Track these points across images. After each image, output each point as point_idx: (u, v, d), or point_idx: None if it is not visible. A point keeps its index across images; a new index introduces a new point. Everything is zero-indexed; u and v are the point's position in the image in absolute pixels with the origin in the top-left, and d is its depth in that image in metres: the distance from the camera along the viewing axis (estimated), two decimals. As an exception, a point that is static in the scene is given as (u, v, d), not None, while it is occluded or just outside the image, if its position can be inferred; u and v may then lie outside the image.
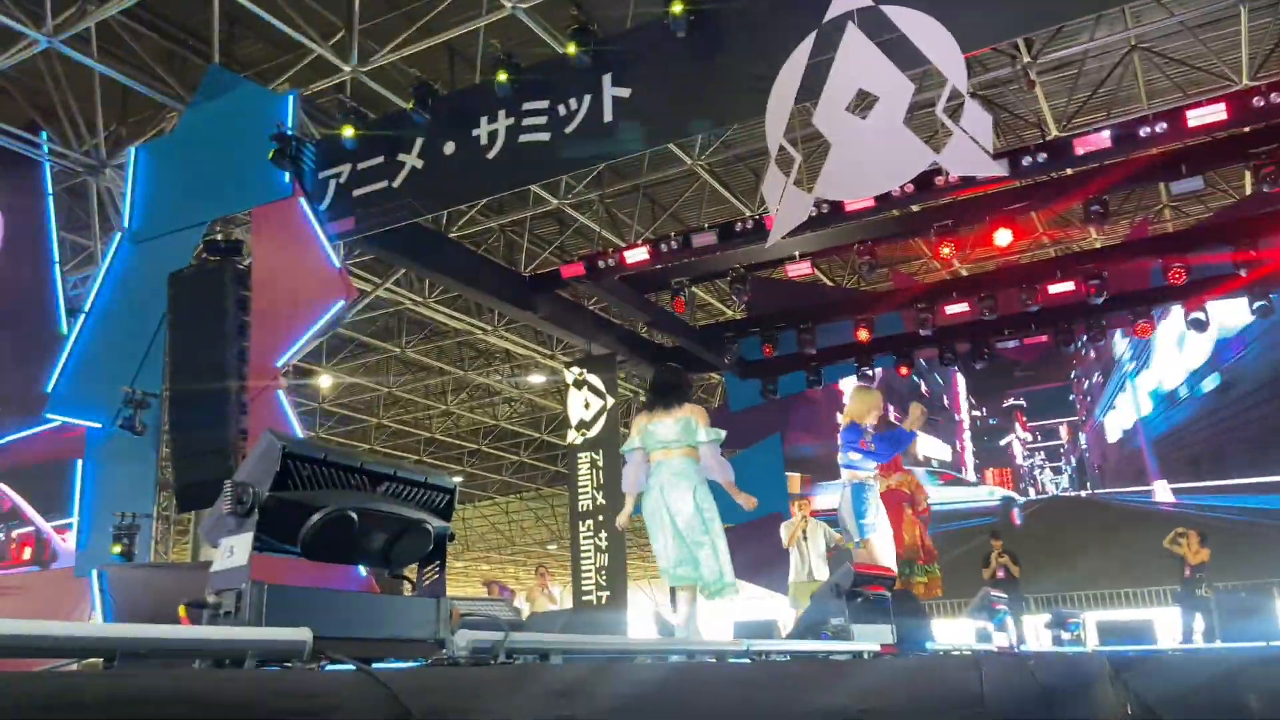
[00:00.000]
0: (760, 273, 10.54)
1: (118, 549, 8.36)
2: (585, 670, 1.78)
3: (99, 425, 8.88)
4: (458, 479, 20.51)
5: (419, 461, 20.32)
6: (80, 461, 9.18)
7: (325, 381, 16.64)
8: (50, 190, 10.21)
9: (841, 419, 6.68)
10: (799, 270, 9.66)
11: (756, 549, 9.80)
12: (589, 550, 10.24)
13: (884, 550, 6.05)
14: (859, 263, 9.43)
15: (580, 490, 10.43)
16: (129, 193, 9.37)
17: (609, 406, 10.57)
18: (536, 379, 17.68)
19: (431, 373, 17.34)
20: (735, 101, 6.96)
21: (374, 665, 1.50)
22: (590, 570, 10.14)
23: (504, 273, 11.66)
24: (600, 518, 10.21)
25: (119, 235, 9.27)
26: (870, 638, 3.45)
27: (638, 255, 9.46)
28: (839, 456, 6.49)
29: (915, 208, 9.27)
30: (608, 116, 7.37)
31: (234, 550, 1.66)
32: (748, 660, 2.78)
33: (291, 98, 8.84)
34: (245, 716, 1.12)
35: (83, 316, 9.32)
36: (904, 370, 11.05)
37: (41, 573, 9.36)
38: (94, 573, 8.50)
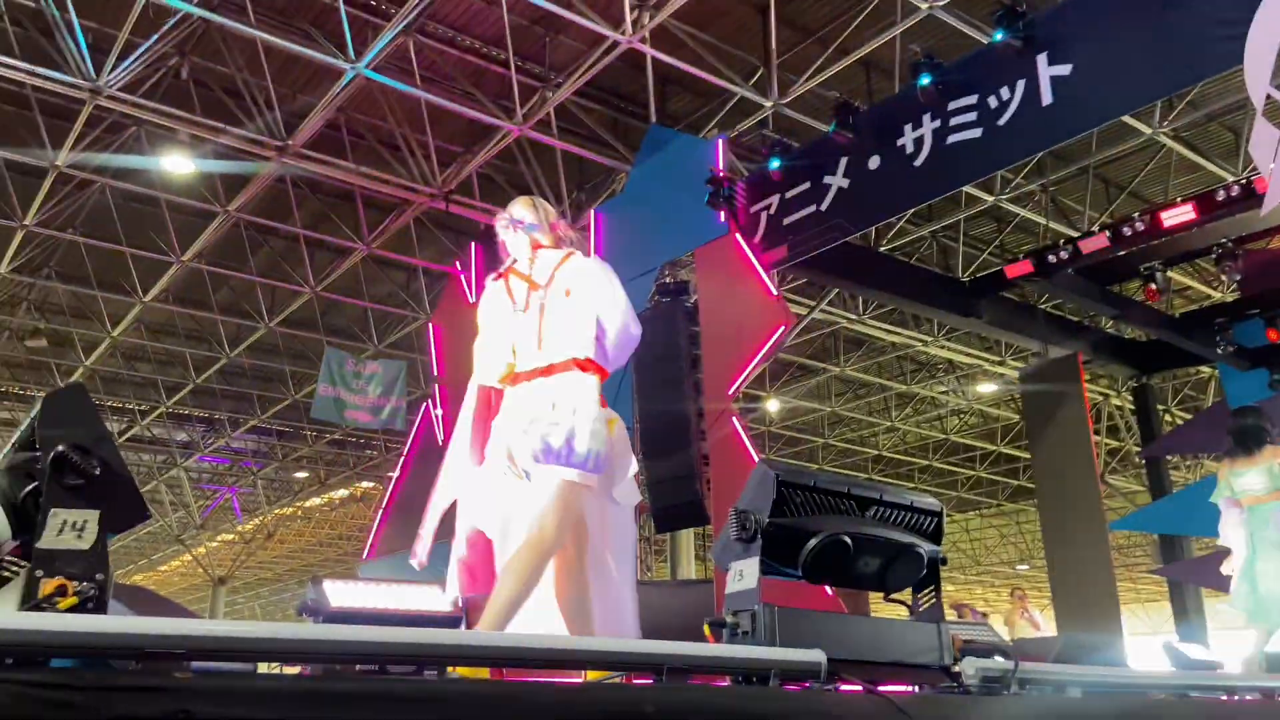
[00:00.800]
0: (1254, 244, 9.02)
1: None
2: (1108, 703, 1.60)
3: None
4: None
5: (868, 479, 20.20)
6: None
7: (773, 406, 17.26)
8: (532, 257, 11.80)
9: None
10: (1306, 237, 8.11)
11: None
12: (1068, 571, 9.39)
13: None
14: (1393, 216, 7.66)
15: (1050, 505, 9.61)
16: (592, 250, 10.53)
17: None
18: (986, 388, 16.77)
19: (872, 389, 17.23)
20: (1201, 56, 6.05)
21: (881, 689, 1.48)
22: (1073, 592, 9.29)
23: (941, 280, 11.25)
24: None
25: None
26: None
27: (1096, 243, 8.56)
28: None
29: None
30: (1047, 99, 6.81)
31: (743, 574, 1.76)
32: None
33: (720, 141, 9.38)
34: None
35: (565, 363, 10.63)
36: None
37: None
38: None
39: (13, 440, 1.88)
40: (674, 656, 1.39)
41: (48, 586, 1.40)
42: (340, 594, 2.51)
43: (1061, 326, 11.15)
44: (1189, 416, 15.06)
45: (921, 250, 12.59)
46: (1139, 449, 14.52)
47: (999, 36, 6.66)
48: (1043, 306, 12.01)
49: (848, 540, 1.81)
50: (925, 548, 1.98)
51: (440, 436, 13.21)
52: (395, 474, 14.39)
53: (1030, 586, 23.41)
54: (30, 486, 1.63)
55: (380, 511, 14.33)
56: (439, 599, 2.76)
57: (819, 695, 1.47)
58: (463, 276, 13.00)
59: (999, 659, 1.83)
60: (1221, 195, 7.96)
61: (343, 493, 23.32)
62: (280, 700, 0.99)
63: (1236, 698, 2.33)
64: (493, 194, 11.56)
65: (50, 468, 1.52)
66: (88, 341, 15.10)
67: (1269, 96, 5.53)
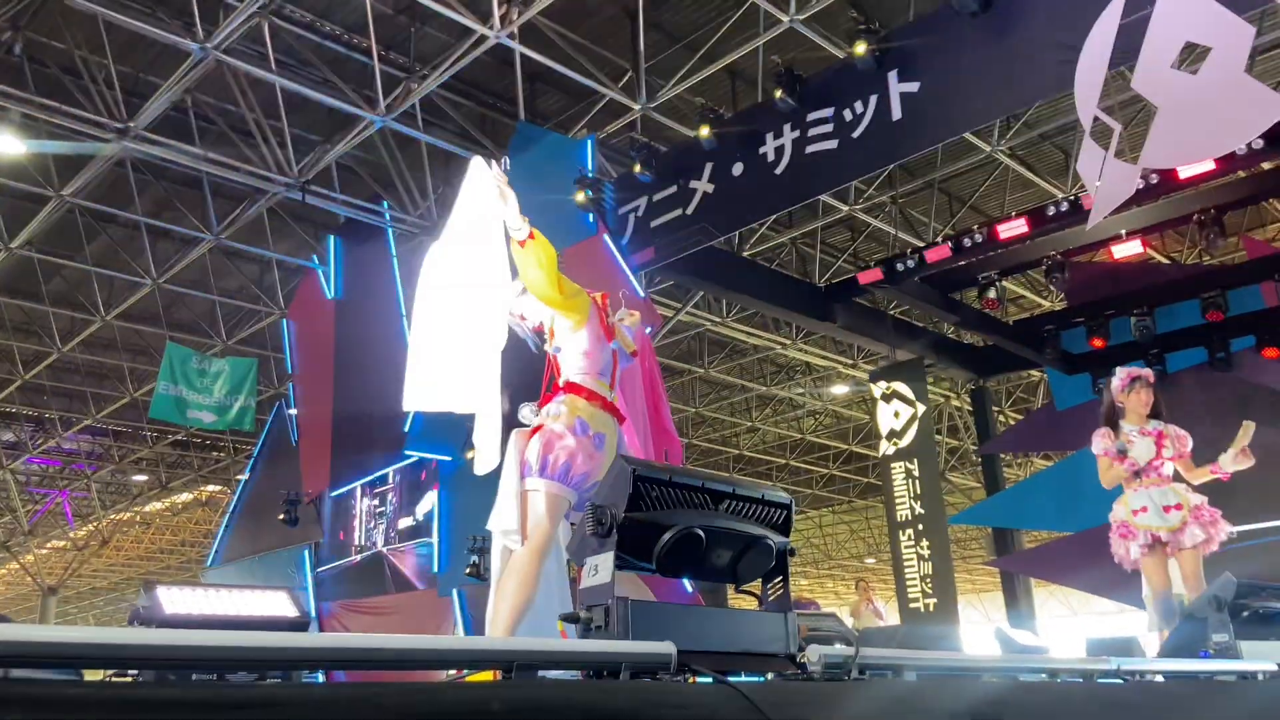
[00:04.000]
0: (1080, 257, 9.71)
1: (469, 570, 9.23)
2: (942, 686, 1.69)
3: (449, 458, 9.88)
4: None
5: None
6: (435, 491, 10.25)
7: (636, 406, 17.40)
8: (395, 252, 11.55)
9: None
10: (1127, 250, 8.78)
11: (1103, 559, 8.95)
12: (911, 560, 9.87)
13: None
14: (1200, 235, 8.40)
15: (897, 500, 10.09)
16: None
17: (920, 414, 10.16)
18: (840, 390, 17.42)
19: (734, 390, 17.62)
20: (1038, 78, 6.49)
21: (730, 678, 1.52)
22: (915, 579, 9.78)
23: (799, 285, 11.63)
24: (920, 527, 9.82)
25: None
26: (1262, 656, 3.01)
27: (939, 253, 9.06)
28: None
29: (1267, 165, 8.13)
30: (896, 115, 7.16)
31: (598, 569, 1.77)
32: (1119, 680, 2.52)
33: (589, 142, 9.43)
34: (628, 722, 1.17)
35: (427, 362, 10.44)
36: (1271, 353, 9.58)
37: (411, 594, 10.54)
38: (454, 592, 9.48)
39: None
40: (523, 653, 1.39)
41: None
42: (175, 600, 2.38)
43: (908, 331, 11.70)
44: (1020, 417, 16.06)
45: (782, 256, 12.98)
46: (975, 448, 15.42)
47: (859, 50, 6.94)
48: (891, 312, 12.57)
49: (700, 533, 1.86)
50: (775, 539, 2.04)
51: (294, 437, 12.75)
52: (244, 477, 13.79)
53: (877, 580, 24.47)
54: None
55: (226, 515, 13.70)
56: (285, 604, 2.65)
57: (668, 686, 1.49)
58: (320, 271, 12.59)
59: (840, 646, 1.91)
60: (1052, 210, 8.53)
61: (186, 496, 22.13)
62: (103, 708, 0.94)
63: (1059, 680, 2.50)
64: (353, 186, 11.22)
65: None
66: (-103, 333, 13.84)
67: (1096, 118, 5.96)
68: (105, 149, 9.61)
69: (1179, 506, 5.11)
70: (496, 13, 8.22)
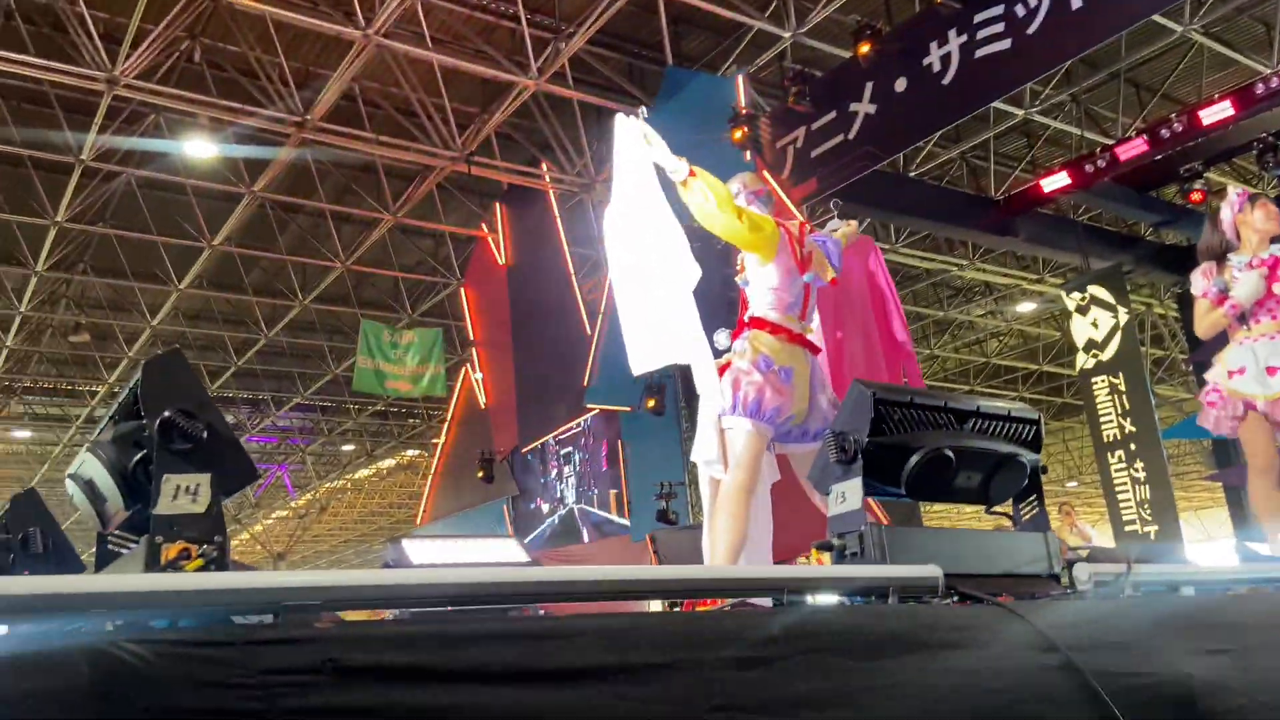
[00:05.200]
0: (1296, 137, 8.75)
1: (661, 516, 9.41)
2: (1225, 600, 1.58)
3: (630, 409, 10.06)
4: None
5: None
6: (620, 442, 10.49)
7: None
8: (558, 212, 11.77)
9: None
10: (1354, 122, 7.85)
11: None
12: (1124, 484, 9.28)
13: None
14: None
15: (1103, 419, 9.49)
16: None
17: (1123, 323, 9.46)
18: (1025, 307, 16.55)
19: (910, 318, 17.05)
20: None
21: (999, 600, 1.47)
22: (1130, 504, 9.20)
23: (974, 201, 11.06)
24: (1132, 447, 9.20)
25: (618, 239, 10.40)
26: None
27: (1134, 148, 8.38)
28: None
29: None
30: (1076, 3, 6.62)
31: (846, 496, 1.74)
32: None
33: (740, 77, 9.22)
34: (905, 646, 1.15)
35: (600, 318, 10.64)
36: None
37: (602, 541, 10.88)
38: (646, 536, 9.70)
39: (113, 411, 1.90)
40: (793, 580, 1.39)
41: (170, 551, 1.41)
42: (420, 551, 2.53)
43: (1102, 238, 10.94)
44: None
45: (951, 172, 12.36)
46: (1185, 357, 14.30)
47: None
48: (1081, 219, 11.78)
49: (950, 454, 1.79)
50: (1027, 456, 1.95)
51: (481, 399, 13.33)
52: (441, 440, 14.56)
53: (1081, 503, 23.31)
54: (139, 455, 1.65)
55: (430, 478, 14.53)
56: (516, 550, 2.77)
57: (942, 609, 1.45)
58: (490, 238, 13.01)
59: (1112, 564, 1.81)
60: (1260, 89, 7.72)
61: (390, 462, 23.63)
62: (420, 644, 0.99)
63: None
64: (512, 152, 11.47)
65: (158, 434, 1.53)
66: (128, 333, 15.30)
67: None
68: (286, 145, 10.21)
69: None
70: (638, -42, 8.13)
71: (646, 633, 1.04)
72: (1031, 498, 2.00)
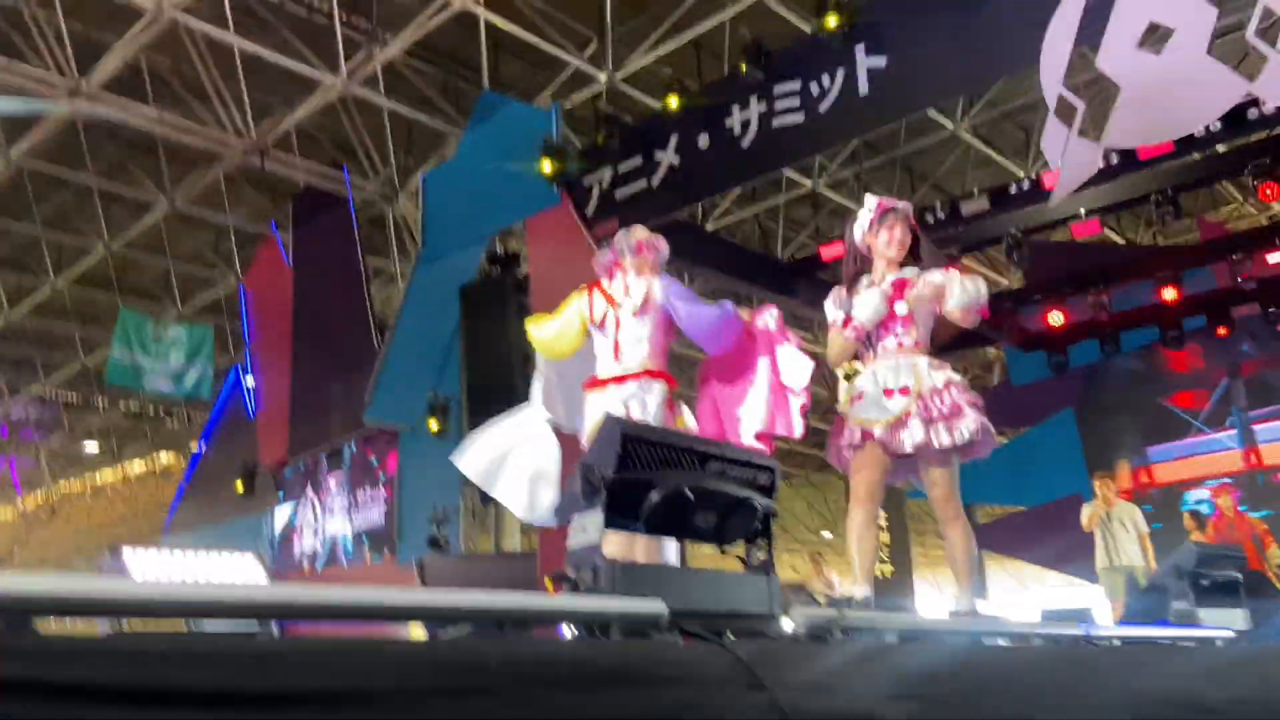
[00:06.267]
0: (1039, 235, 9.84)
1: (431, 542, 9.20)
2: (921, 647, 1.72)
3: (410, 428, 9.81)
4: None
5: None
6: (396, 461, 10.19)
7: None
8: (355, 220, 11.39)
9: None
10: (1086, 229, 8.92)
11: (1056, 533, 9.17)
12: (868, 533, 10.03)
13: None
14: (1156, 215, 8.55)
15: (857, 474, 10.21)
16: (421, 217, 10.29)
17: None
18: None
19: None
20: (1004, 54, 6.53)
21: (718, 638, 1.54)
22: (871, 550, 9.94)
23: (762, 261, 11.66)
24: (879, 500, 9.96)
25: (416, 256, 10.21)
26: (1220, 623, 3.11)
27: (903, 229, 9.11)
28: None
29: (1222, 148, 8.28)
30: (863, 89, 7.17)
31: (587, 528, 1.78)
32: (1086, 644, 2.59)
33: (554, 110, 9.32)
34: (619, 679, 1.18)
35: (390, 332, 10.35)
36: (1223, 331, 9.78)
37: (376, 565, 10.49)
38: (413, 562, 9.44)
39: None
40: (515, 610, 1.39)
41: None
42: (142, 563, 2.34)
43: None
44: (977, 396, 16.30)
45: (745, 230, 13.00)
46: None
47: (830, 22, 6.93)
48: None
49: (689, 494, 1.87)
50: (760, 501, 2.06)
51: (250, 406, 12.57)
52: (198, 447, 13.58)
53: (833, 553, 24.75)
54: None
55: (182, 485, 13.51)
56: (253, 567, 2.63)
57: (661, 644, 1.51)
58: (279, 237, 12.38)
59: (825, 609, 1.94)
60: (1014, 189, 8.63)
61: (139, 466, 21.74)
62: (143, 662, 0.92)
63: (1031, 643, 2.56)
64: (314, 152, 11.02)
65: None
66: None
67: (1060, 97, 6.02)
68: (56, 108, 9.33)
69: (905, 391, 3.51)
70: (462, -23, 8.10)
71: (355, 657, 1.01)
72: (762, 540, 2.12)
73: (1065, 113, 6.06)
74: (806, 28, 8.35)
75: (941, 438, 3.46)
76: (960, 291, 3.52)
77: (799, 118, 7.38)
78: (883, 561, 9.78)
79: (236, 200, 12.00)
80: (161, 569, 2.37)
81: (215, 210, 11.90)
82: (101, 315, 13.99)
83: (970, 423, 3.52)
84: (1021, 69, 6.78)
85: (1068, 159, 6.11)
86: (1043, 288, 10.54)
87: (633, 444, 1.82)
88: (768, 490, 2.11)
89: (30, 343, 15.28)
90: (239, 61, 9.28)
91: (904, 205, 3.85)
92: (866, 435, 3.53)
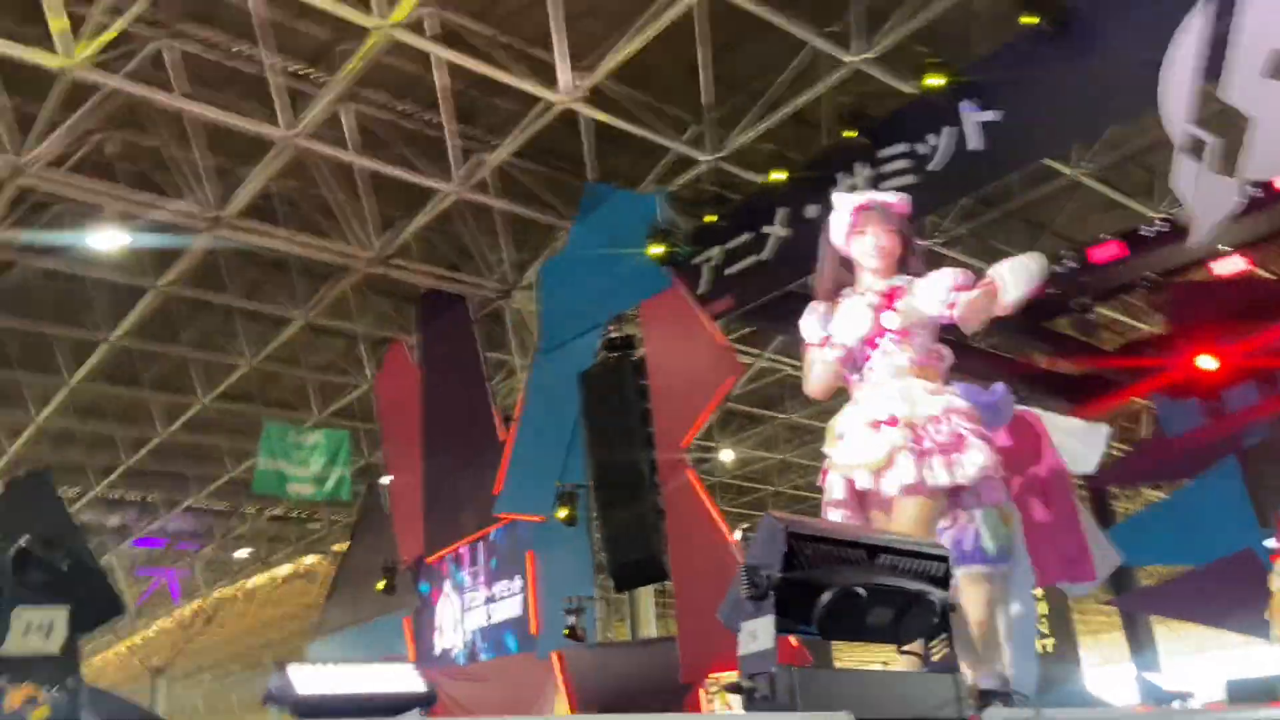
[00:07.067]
0: (1177, 277, 9.35)
1: (567, 632, 9.15)
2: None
3: (541, 519, 9.88)
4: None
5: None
6: (529, 553, 10.24)
7: (727, 455, 17.23)
8: (473, 317, 11.75)
9: None
10: (1229, 267, 8.43)
11: (1228, 591, 8.46)
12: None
13: None
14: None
15: (1003, 540, 9.71)
16: (538, 309, 10.55)
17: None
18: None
19: (819, 435, 17.32)
20: (1121, 96, 6.33)
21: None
22: (1030, 623, 9.37)
23: (881, 324, 11.43)
24: (1029, 566, 9.42)
25: (535, 348, 10.44)
26: None
27: (1028, 282, 8.80)
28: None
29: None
30: (975, 144, 7.05)
31: (758, 634, 1.71)
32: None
33: (659, 196, 9.49)
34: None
35: (514, 424, 10.53)
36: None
37: (509, 657, 10.48)
38: (552, 655, 9.40)
39: None
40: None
41: (15, 697, 1.27)
42: (307, 680, 2.36)
43: (999, 364, 11.37)
44: (1124, 448, 15.40)
45: (860, 295, 12.78)
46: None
47: (933, 82, 6.88)
48: (978, 345, 12.27)
49: (861, 591, 1.77)
50: (936, 595, 1.95)
51: (386, 505, 12.92)
52: (340, 547, 14.01)
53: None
54: None
55: (329, 588, 13.92)
56: (413, 679, 2.63)
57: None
58: (404, 341, 12.86)
59: (1022, 709, 1.80)
60: (1145, 231, 8.27)
61: (286, 569, 22.56)
62: None
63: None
64: (432, 257, 11.47)
65: (11, 565, 1.40)
66: (11, 426, 14.48)
67: (1187, 133, 5.78)
68: (198, 238, 10.01)
69: (893, 421, 2.84)
70: (563, 79, 8.38)
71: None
72: (941, 636, 2.00)
73: (1194, 149, 5.81)
74: (908, 91, 8.29)
75: (938, 476, 2.73)
76: (1014, 278, 2.85)
77: (910, 179, 7.29)
78: (1042, 635, 9.19)
79: (363, 308, 12.56)
80: (325, 685, 2.39)
81: (344, 319, 12.47)
82: (245, 427, 14.73)
83: (976, 457, 2.77)
84: (1139, 111, 6.55)
85: (1200, 196, 5.84)
86: (1188, 331, 9.97)
87: (798, 542, 1.75)
88: (942, 582, 1.99)
89: (183, 457, 16.18)
90: (360, 179, 9.80)
91: (886, 201, 3.18)
92: (849, 486, 2.90)
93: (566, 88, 8.41)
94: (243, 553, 20.90)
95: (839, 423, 3.04)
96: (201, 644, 27.09)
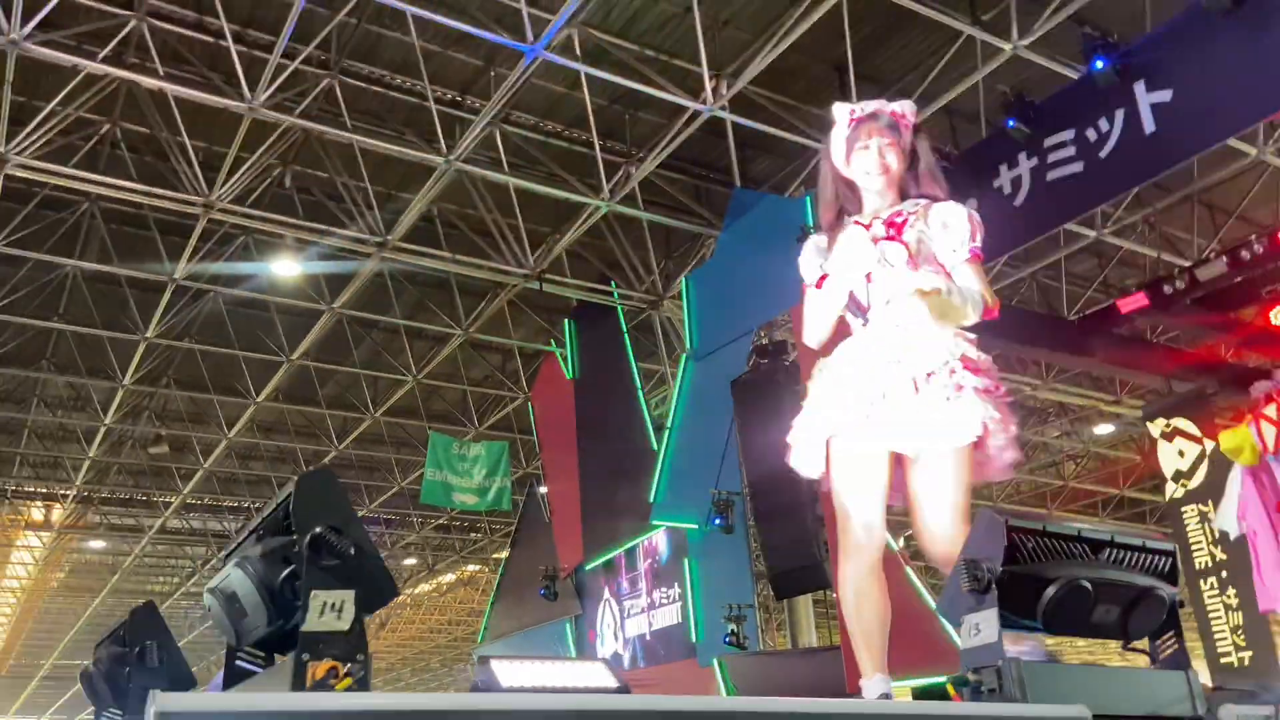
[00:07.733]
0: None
1: (730, 640, 9.13)
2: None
3: (696, 526, 9.91)
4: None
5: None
6: (687, 561, 10.29)
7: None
8: (625, 327, 11.92)
9: None
10: None
11: None
12: (1217, 610, 8.80)
13: None
14: None
15: (1194, 546, 9.08)
16: (687, 318, 10.60)
17: (1209, 451, 9.15)
18: (1103, 429, 16.11)
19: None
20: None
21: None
22: (1224, 631, 8.72)
23: (1047, 321, 10.94)
24: (1224, 574, 8.77)
25: (685, 356, 10.50)
26: None
27: (1214, 270, 8.23)
28: None
29: None
30: (1149, 127, 6.67)
31: (980, 627, 1.68)
32: None
33: (808, 199, 9.39)
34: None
35: (667, 432, 10.62)
36: None
37: (671, 665, 10.54)
38: (715, 661, 9.40)
39: (254, 526, 1.93)
40: (928, 718, 1.32)
41: (319, 669, 1.41)
42: (509, 673, 2.47)
43: (1181, 359, 10.67)
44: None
45: (1022, 292, 12.28)
46: None
47: (1097, 67, 6.56)
48: (1158, 340, 11.57)
49: (1088, 586, 1.72)
50: (1165, 590, 1.86)
51: (546, 513, 13.25)
52: (502, 555, 14.47)
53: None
54: (287, 571, 1.67)
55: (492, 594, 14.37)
56: (605, 675, 2.70)
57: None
58: (558, 353, 13.19)
59: (1259, 707, 1.70)
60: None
61: (450, 577, 23.49)
62: None
63: None
64: (582, 271, 11.74)
65: (308, 549, 1.55)
66: (205, 444, 15.68)
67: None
68: (367, 263, 10.60)
69: (888, 377, 2.61)
70: (708, 87, 8.44)
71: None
72: (1170, 633, 1.90)
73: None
74: (1070, 75, 7.93)
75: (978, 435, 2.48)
76: (961, 300, 2.46)
77: (1078, 167, 6.97)
78: (1239, 649, 8.53)
79: (518, 323, 12.98)
80: (528, 677, 2.49)
81: (501, 334, 12.91)
82: (412, 440, 15.45)
83: (971, 409, 2.46)
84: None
85: None
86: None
87: (1019, 535, 1.71)
88: (1170, 577, 1.90)
89: (356, 470, 17.12)
90: (514, 197, 10.14)
91: (891, 109, 2.71)
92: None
93: (710, 97, 8.46)
94: (410, 560, 21.90)
95: (820, 370, 2.74)
96: (375, 648, 28.45)
